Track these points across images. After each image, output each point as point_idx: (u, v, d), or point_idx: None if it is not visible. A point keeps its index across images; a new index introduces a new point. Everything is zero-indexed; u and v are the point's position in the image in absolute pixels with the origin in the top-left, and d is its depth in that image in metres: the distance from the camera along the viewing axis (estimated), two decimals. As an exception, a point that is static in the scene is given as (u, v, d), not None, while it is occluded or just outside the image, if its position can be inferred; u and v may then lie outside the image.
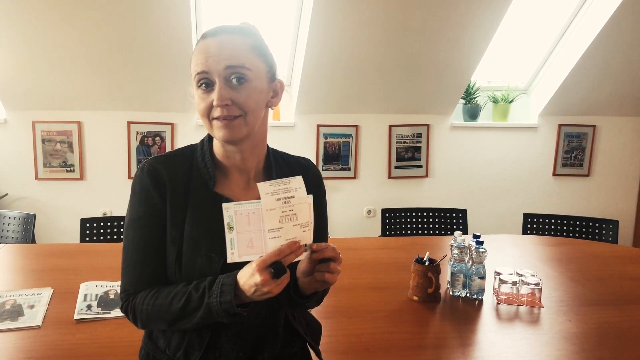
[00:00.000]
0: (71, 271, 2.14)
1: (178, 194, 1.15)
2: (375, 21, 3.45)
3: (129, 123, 3.97)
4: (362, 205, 4.37)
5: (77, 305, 1.80)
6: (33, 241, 2.74)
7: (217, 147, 1.19)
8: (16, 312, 1.75)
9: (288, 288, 1.17)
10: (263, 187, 1.03)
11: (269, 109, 1.19)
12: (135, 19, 3.30)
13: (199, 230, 1.13)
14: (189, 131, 4.04)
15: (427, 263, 1.91)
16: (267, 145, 1.26)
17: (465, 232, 3.07)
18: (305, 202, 1.06)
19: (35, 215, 2.74)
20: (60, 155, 3.90)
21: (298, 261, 1.11)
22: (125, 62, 3.58)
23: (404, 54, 3.74)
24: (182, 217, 1.14)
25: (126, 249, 1.16)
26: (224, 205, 1.04)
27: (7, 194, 3.87)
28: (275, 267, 1.00)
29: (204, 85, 1.09)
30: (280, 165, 1.26)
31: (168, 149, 4.01)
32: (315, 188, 1.29)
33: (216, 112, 1.08)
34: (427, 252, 1.94)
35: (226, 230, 1.04)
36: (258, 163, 1.22)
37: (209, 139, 1.22)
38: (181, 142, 4.04)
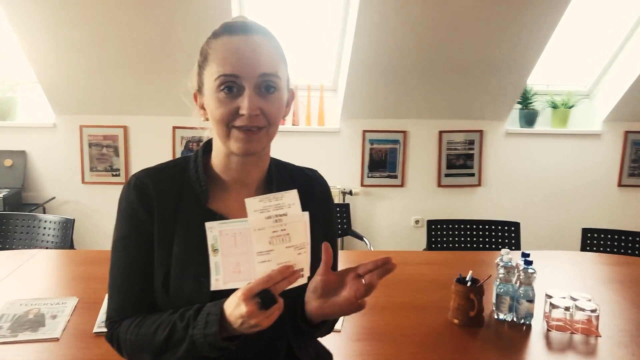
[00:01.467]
0: (100, 280, 2.10)
1: (166, 211, 1.04)
2: (424, 22, 3.29)
3: (174, 128, 3.96)
4: (409, 215, 4.19)
5: (99, 317, 1.74)
6: (72, 246, 2.74)
7: (217, 159, 1.09)
8: (38, 322, 1.71)
9: (294, 314, 1.04)
10: (251, 203, 0.91)
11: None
12: (180, 25, 3.27)
13: (188, 251, 1.01)
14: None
15: (469, 283, 1.75)
16: (270, 156, 1.15)
17: (517, 248, 2.86)
18: (299, 221, 0.93)
19: (74, 220, 2.73)
20: (106, 159, 3.93)
21: (303, 286, 0.98)
22: (170, 67, 3.56)
23: (455, 55, 3.56)
24: (170, 237, 1.03)
25: (111, 272, 1.07)
26: (207, 224, 0.92)
27: (54, 198, 3.93)
28: (263, 296, 0.87)
29: (227, 89, 0.98)
30: (283, 177, 1.15)
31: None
32: (324, 202, 1.18)
33: (241, 121, 0.98)
34: (470, 271, 1.78)
35: (210, 252, 0.92)
36: (260, 176, 1.12)
37: (204, 149, 1.12)
38: (225, 147, 3.99)
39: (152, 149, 3.97)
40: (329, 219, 1.20)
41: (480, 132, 4.13)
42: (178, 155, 3.97)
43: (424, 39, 3.43)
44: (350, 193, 3.97)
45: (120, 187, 3.72)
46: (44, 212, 3.75)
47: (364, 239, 3.09)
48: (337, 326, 1.72)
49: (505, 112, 4.07)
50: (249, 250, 0.91)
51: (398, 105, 3.95)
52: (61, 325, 1.69)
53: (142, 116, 3.93)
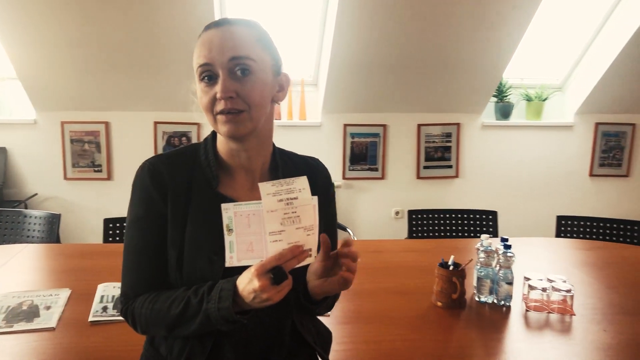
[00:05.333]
0: (91, 272, 2.13)
1: (179, 195, 1.10)
2: (402, 17, 3.37)
3: (155, 123, 3.98)
4: (389, 206, 4.28)
5: (93, 306, 1.78)
6: (58, 241, 2.75)
7: (222, 146, 1.15)
8: (32, 313, 1.74)
9: (297, 294, 1.11)
10: (264, 187, 0.97)
11: (275, 104, 1.15)
12: (160, 20, 3.29)
13: (201, 231, 1.08)
14: (215, 131, 4.01)
15: (451, 267, 1.83)
16: (274, 144, 1.20)
17: (495, 235, 2.96)
18: (309, 204, 0.99)
19: (60, 215, 2.75)
20: (88, 155, 3.93)
21: (306, 266, 1.05)
22: (151, 63, 3.58)
23: (433, 50, 3.65)
24: (183, 219, 1.09)
25: (126, 251, 1.12)
26: (223, 206, 0.99)
27: (36, 194, 3.92)
28: (275, 272, 0.94)
29: (206, 78, 1.04)
30: (287, 164, 1.21)
31: (194, 149, 3.99)
32: (325, 189, 1.24)
33: (220, 106, 1.03)
34: (452, 256, 1.86)
35: (225, 232, 0.99)
36: (264, 163, 1.17)
37: (213, 137, 1.17)
38: (207, 142, 4.01)
39: (133, 144, 3.98)
40: (330, 205, 1.26)
41: (458, 125, 4.23)
42: (160, 150, 3.99)
43: (401, 36, 3.51)
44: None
45: (103, 182, 3.74)
46: (26, 209, 3.74)
47: (348, 229, 3.16)
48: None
49: (481, 105, 4.18)
50: (262, 230, 0.98)
51: (378, 100, 4.03)
52: (56, 315, 1.72)
53: (124, 112, 3.94)
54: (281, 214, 0.97)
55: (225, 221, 0.98)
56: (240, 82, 1.03)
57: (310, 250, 1.00)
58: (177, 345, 1.11)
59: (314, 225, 1.00)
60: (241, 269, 0.99)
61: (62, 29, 3.30)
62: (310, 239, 1.00)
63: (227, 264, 0.99)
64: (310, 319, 1.24)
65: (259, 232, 0.99)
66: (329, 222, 1.25)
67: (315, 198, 1.01)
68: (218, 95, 1.02)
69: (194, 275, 1.07)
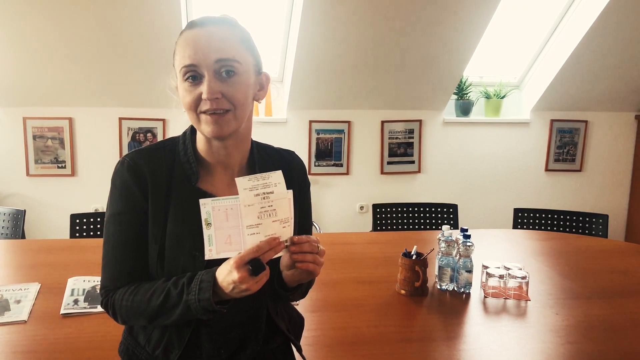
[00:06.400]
0: (59, 266, 2.14)
1: (159, 190, 1.12)
2: (367, 16, 3.44)
3: (120, 119, 3.95)
4: (354, 201, 4.36)
5: (64, 299, 1.80)
6: (23, 237, 2.73)
7: (201, 142, 1.17)
8: (2, 307, 1.75)
9: (272, 283, 1.16)
10: (241, 182, 1.01)
11: (255, 102, 1.18)
12: (125, 14, 3.28)
13: (183, 228, 1.10)
14: (180, 127, 3.98)
15: (414, 257, 1.91)
16: (252, 140, 1.23)
17: (455, 227, 3.07)
18: (284, 198, 1.04)
19: (25, 211, 2.73)
20: (51, 151, 3.88)
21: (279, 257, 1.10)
22: (115, 58, 3.56)
23: (396, 49, 3.74)
24: (164, 214, 1.11)
25: (106, 245, 1.14)
26: (201, 201, 1.02)
27: (-3, 191, 3.86)
28: (254, 264, 0.98)
29: (190, 78, 1.06)
30: (264, 159, 1.23)
31: (160, 145, 3.99)
32: (301, 181, 1.28)
33: (205, 106, 1.05)
34: (415, 246, 1.95)
35: (204, 226, 1.02)
36: (242, 158, 1.19)
37: (191, 131, 1.19)
38: (173, 138, 4.01)
39: (98, 140, 3.95)
40: (305, 196, 1.30)
41: (420, 121, 4.34)
42: (125, 146, 3.97)
43: (367, 34, 3.58)
44: (298, 181, 4.08)
45: (67, 179, 3.70)
46: (-13, 206, 3.67)
47: (314, 223, 3.23)
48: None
49: (442, 102, 4.30)
50: (239, 224, 1.02)
51: (343, 97, 4.10)
52: (27, 308, 1.74)
53: (88, 107, 3.90)
54: (258, 207, 1.02)
55: (203, 216, 1.02)
56: (226, 83, 1.05)
57: (286, 241, 1.05)
58: (155, 335, 1.15)
59: (290, 218, 1.05)
60: (221, 261, 1.03)
61: (24, 23, 3.25)
62: (286, 231, 1.05)
63: (207, 257, 1.02)
64: (283, 307, 1.28)
65: (237, 225, 1.02)
66: (304, 213, 1.30)
67: (291, 192, 1.05)
68: (204, 96, 1.04)
69: (176, 270, 1.09)
